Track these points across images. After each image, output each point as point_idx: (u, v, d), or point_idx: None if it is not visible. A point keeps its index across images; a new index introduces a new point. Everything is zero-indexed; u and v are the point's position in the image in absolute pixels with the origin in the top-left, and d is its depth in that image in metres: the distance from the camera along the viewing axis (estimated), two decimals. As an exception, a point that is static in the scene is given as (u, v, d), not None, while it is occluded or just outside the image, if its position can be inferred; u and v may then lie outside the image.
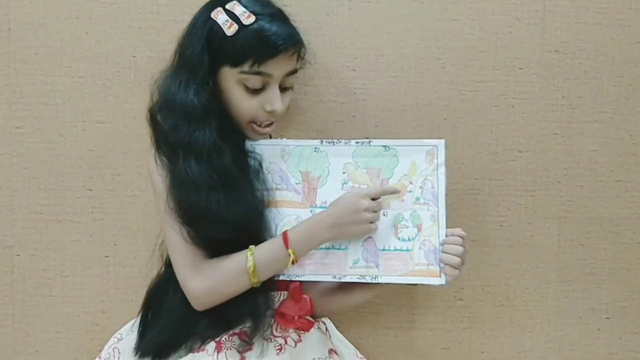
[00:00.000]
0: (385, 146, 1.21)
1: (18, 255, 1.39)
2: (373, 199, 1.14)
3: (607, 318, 1.47)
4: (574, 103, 1.42)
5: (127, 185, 1.37)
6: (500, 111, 1.41)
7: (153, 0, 1.36)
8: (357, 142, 1.21)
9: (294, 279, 1.17)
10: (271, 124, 1.20)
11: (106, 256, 1.39)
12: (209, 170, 1.11)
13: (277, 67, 1.14)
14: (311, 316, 1.24)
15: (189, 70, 1.15)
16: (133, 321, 1.23)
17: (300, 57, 1.20)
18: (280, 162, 1.21)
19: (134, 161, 1.35)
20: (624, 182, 1.45)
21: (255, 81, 1.14)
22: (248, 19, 1.12)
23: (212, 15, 1.14)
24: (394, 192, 1.17)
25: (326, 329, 1.29)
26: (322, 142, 1.21)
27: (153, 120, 1.18)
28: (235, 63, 1.13)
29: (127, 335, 1.23)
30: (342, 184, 1.20)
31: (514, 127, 1.42)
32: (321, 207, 1.18)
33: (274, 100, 1.15)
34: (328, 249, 1.17)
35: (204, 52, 1.14)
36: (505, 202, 1.43)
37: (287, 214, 1.19)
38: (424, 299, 1.44)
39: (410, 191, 1.19)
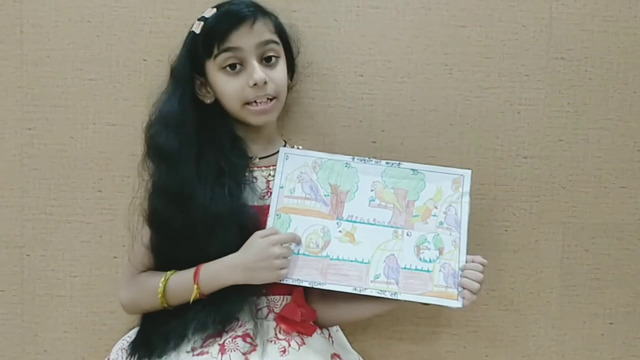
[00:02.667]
0: (414, 170, 1.25)
1: (28, 255, 1.41)
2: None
3: (611, 323, 1.48)
4: (579, 110, 1.44)
5: (136, 187, 1.38)
6: (505, 117, 1.42)
7: (164, 5, 1.38)
8: (387, 163, 1.25)
9: (316, 287, 1.18)
10: (267, 101, 1.21)
11: (115, 257, 1.40)
12: (173, 180, 1.16)
13: (242, 39, 1.17)
14: (318, 324, 1.25)
15: (175, 81, 1.22)
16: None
17: (277, 31, 1.24)
18: (312, 173, 1.24)
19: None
20: (628, 188, 1.46)
21: (228, 59, 1.18)
22: (210, 12, 1.19)
23: (192, 28, 1.22)
24: (299, 241, 1.19)
25: (329, 334, 1.29)
26: (353, 158, 1.25)
27: (147, 131, 1.23)
28: (209, 52, 1.18)
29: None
30: (370, 201, 1.23)
31: (520, 133, 1.43)
32: (347, 221, 1.22)
33: (253, 72, 1.18)
34: (351, 261, 1.20)
35: (187, 62, 1.21)
36: (510, 207, 1.44)
37: (314, 223, 1.21)
38: (429, 303, 1.45)
39: (435, 215, 1.23)
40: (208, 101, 1.23)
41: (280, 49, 1.24)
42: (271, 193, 1.23)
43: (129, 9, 1.37)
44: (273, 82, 1.20)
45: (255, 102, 1.21)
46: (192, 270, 1.16)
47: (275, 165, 1.25)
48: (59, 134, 1.39)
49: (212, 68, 1.19)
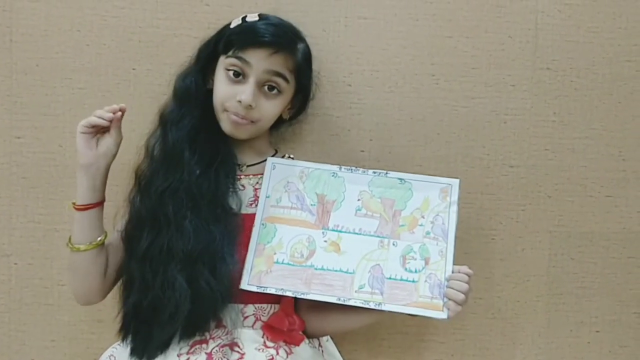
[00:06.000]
0: (401, 179, 1.24)
1: (15, 263, 1.40)
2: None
3: (597, 331, 1.49)
4: (565, 120, 1.45)
5: (125, 196, 1.38)
6: (492, 127, 1.44)
7: (153, 15, 1.38)
8: (375, 172, 1.25)
9: (299, 297, 1.17)
10: (243, 118, 1.21)
11: (103, 265, 1.40)
12: (168, 143, 1.21)
13: (256, 58, 1.18)
14: (307, 334, 1.24)
15: (195, 59, 1.27)
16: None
17: (296, 70, 1.23)
18: (299, 183, 1.24)
19: (132, 172, 1.37)
20: (614, 197, 1.47)
21: (234, 65, 1.20)
22: (252, 17, 1.23)
23: (233, 20, 1.25)
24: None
25: (319, 344, 1.29)
26: (340, 168, 1.25)
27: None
28: (225, 50, 1.21)
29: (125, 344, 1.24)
30: (356, 211, 1.23)
31: (506, 142, 1.44)
32: (333, 230, 1.21)
33: (245, 91, 1.19)
34: (336, 271, 1.19)
35: (210, 44, 1.25)
36: (497, 216, 1.45)
37: (300, 232, 1.21)
38: (417, 311, 1.46)
39: (421, 225, 1.22)
40: (209, 87, 1.26)
41: (286, 87, 1.23)
42: (258, 202, 1.23)
43: (119, 18, 1.38)
44: (259, 111, 1.21)
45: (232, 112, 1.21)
46: None
47: (263, 173, 1.26)
48: (48, 143, 1.39)
49: (221, 63, 1.22)
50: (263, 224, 1.21)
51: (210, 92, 1.25)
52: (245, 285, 1.17)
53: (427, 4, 1.42)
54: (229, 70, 1.20)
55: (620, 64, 1.45)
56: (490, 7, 1.42)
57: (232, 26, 1.23)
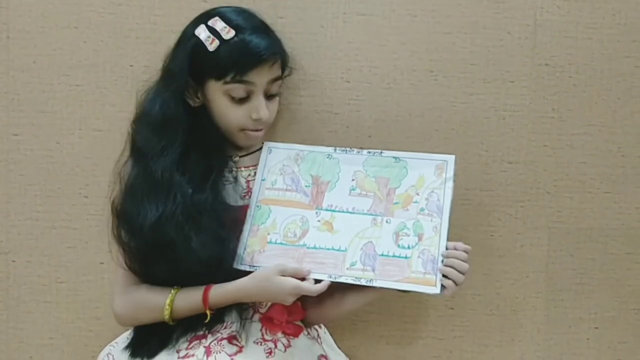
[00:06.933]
0: (396, 157, 1.25)
1: (13, 261, 1.40)
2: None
3: (596, 328, 1.49)
4: (564, 116, 1.45)
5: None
6: (491, 123, 1.43)
7: (150, 11, 1.38)
8: (369, 152, 1.26)
9: None
10: (261, 129, 1.25)
11: (101, 263, 1.40)
12: (151, 176, 1.17)
13: (259, 76, 1.19)
14: (305, 323, 1.25)
15: (167, 83, 1.22)
16: (130, 331, 1.25)
17: (283, 65, 1.27)
18: (294, 166, 1.26)
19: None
20: (612, 193, 1.47)
21: (239, 91, 1.19)
22: (228, 34, 1.18)
23: (196, 32, 1.19)
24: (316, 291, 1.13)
25: (318, 335, 1.29)
26: (335, 149, 1.27)
27: (132, 131, 1.24)
28: (219, 76, 1.18)
29: (123, 342, 1.24)
30: (350, 190, 1.23)
31: (505, 138, 1.44)
32: (326, 210, 1.22)
33: (260, 108, 1.21)
34: (328, 249, 1.19)
35: (185, 67, 1.20)
36: (495, 213, 1.45)
37: (293, 213, 1.22)
38: (416, 308, 1.45)
39: (416, 202, 1.21)
40: (194, 105, 1.24)
41: (281, 82, 1.27)
42: (251, 193, 1.25)
43: (116, 15, 1.38)
44: (270, 115, 1.24)
45: (250, 130, 1.24)
46: (198, 292, 1.15)
47: (255, 165, 1.27)
48: (45, 140, 1.39)
49: (216, 88, 1.20)
50: (258, 206, 1.23)
51: (194, 109, 1.23)
52: (238, 264, 1.18)
53: (425, 0, 1.41)
54: (233, 97, 1.20)
55: (619, 60, 1.45)
56: (488, 3, 1.42)
57: (211, 49, 1.17)
